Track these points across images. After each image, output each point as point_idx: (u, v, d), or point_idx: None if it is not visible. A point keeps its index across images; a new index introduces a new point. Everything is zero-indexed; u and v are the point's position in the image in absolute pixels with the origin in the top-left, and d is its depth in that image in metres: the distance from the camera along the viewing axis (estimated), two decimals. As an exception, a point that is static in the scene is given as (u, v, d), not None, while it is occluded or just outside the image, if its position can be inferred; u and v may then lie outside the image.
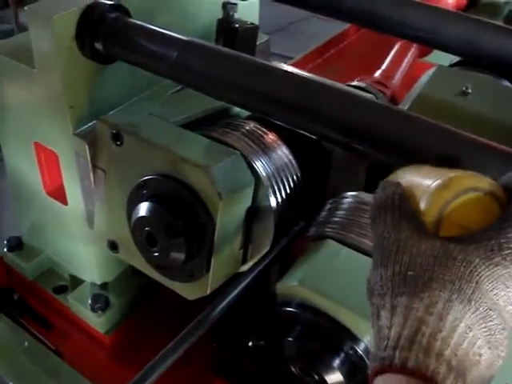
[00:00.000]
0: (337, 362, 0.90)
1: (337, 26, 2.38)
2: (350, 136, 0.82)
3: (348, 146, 0.85)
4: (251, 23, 1.29)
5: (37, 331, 1.32)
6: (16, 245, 1.41)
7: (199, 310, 1.03)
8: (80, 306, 1.30)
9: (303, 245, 1.06)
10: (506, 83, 1.31)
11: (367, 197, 1.04)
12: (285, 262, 1.07)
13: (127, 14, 1.02)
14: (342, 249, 0.96)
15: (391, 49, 1.91)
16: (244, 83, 0.89)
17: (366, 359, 0.89)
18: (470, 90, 1.14)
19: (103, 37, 0.98)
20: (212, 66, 0.91)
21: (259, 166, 1.04)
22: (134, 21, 1.00)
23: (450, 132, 0.77)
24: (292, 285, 0.93)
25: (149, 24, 0.99)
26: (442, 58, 1.47)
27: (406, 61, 1.77)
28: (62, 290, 1.38)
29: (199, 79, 0.93)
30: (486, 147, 0.76)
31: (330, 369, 0.91)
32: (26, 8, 0.99)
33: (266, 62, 0.92)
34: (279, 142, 1.10)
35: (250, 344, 1.12)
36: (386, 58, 1.85)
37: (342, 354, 0.91)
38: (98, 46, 0.99)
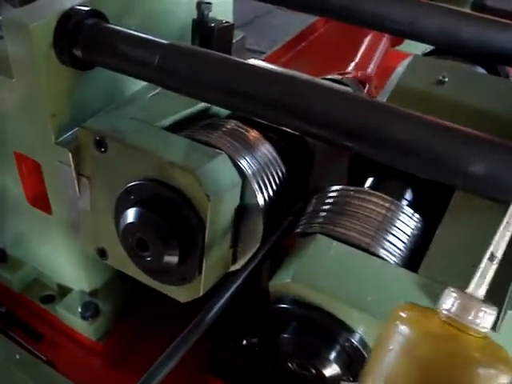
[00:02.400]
0: (333, 355, 0.91)
1: (302, 18, 2.38)
2: (333, 131, 0.83)
3: (331, 141, 0.86)
4: (226, 22, 1.28)
5: (27, 343, 1.30)
6: (0, 257, 1.40)
7: (191, 312, 1.03)
8: (70, 315, 1.29)
9: (292, 241, 1.06)
10: (480, 70, 1.33)
11: (352, 189, 1.05)
12: (274, 259, 1.07)
13: (105, 19, 1.01)
14: (331, 243, 0.96)
15: (362, 39, 1.92)
16: (230, 84, 0.89)
17: (361, 350, 0.90)
18: (446, 79, 1.16)
19: (81, 43, 0.97)
20: (195, 69, 0.91)
21: (244, 164, 1.04)
22: (112, 26, 0.99)
23: (432, 123, 0.78)
24: (285, 282, 0.94)
25: (127, 29, 0.98)
26: (414, 46, 1.48)
27: (379, 51, 1.78)
28: (49, 299, 1.37)
29: (183, 82, 0.93)
30: (469, 136, 0.77)
31: (326, 362, 0.92)
32: (1, 18, 0.97)
33: (250, 62, 0.92)
34: (262, 140, 1.11)
35: (244, 342, 1.13)
36: (357, 48, 1.87)
37: (338, 347, 0.92)
38: (77, 52, 0.98)
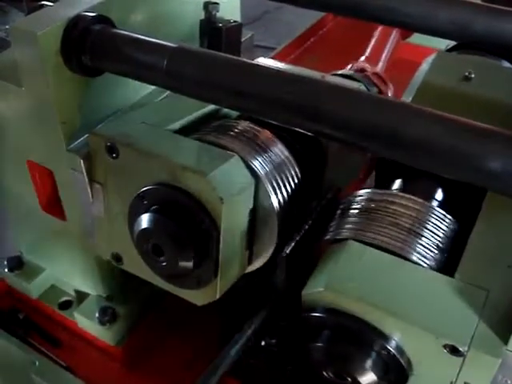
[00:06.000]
0: (369, 363, 0.89)
1: (312, 12, 2.37)
2: (347, 132, 0.82)
3: (346, 142, 0.85)
4: (234, 21, 1.28)
5: (46, 349, 1.31)
6: (16, 264, 1.40)
7: (208, 315, 1.02)
8: (87, 321, 1.29)
9: (322, 248, 1.04)
10: (506, 64, 1.30)
11: (381, 192, 1.03)
12: (292, 262, 1.06)
13: (111, 24, 1.00)
14: (364, 249, 0.94)
15: (372, 32, 1.91)
16: (239, 86, 0.88)
17: (398, 357, 0.88)
18: (472, 75, 1.14)
19: (89, 50, 0.97)
20: (204, 71, 0.90)
21: (257, 165, 1.03)
22: (120, 31, 0.99)
23: (449, 120, 0.77)
24: (318, 290, 0.92)
25: (135, 33, 0.98)
26: (424, 38, 1.46)
27: (389, 44, 1.76)
28: (67, 305, 1.38)
29: (192, 85, 0.92)
30: (488, 133, 0.75)
31: (363, 370, 0.90)
32: (7, 27, 0.97)
33: (259, 62, 0.91)
34: (274, 140, 1.10)
35: (263, 343, 1.12)
36: (367, 41, 1.85)
37: (374, 354, 0.90)
38: (85, 59, 0.98)
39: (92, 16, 0.98)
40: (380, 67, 1.62)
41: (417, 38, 1.79)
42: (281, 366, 1.11)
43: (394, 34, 1.83)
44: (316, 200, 1.12)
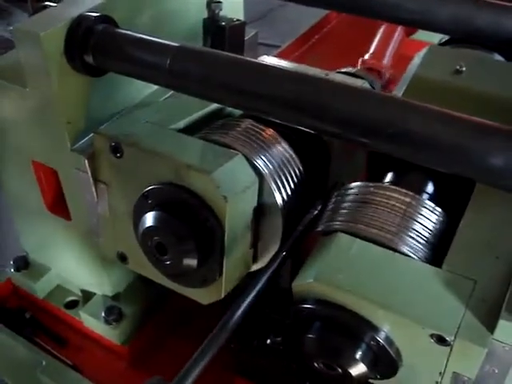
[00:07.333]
0: (359, 354, 0.90)
1: (315, 10, 2.37)
2: (349, 130, 0.82)
3: (348, 140, 0.85)
4: (237, 19, 1.28)
5: (52, 348, 1.31)
6: (22, 264, 1.41)
7: (214, 313, 1.02)
8: (93, 320, 1.30)
9: (313, 240, 1.04)
10: (497, 57, 1.30)
11: (372, 185, 1.03)
12: (296, 259, 1.06)
13: (114, 24, 1.01)
14: (353, 241, 0.95)
15: (376, 30, 1.90)
16: (242, 85, 0.88)
17: (387, 348, 0.89)
18: (463, 68, 1.14)
19: (92, 50, 0.97)
20: (207, 70, 0.91)
21: (261, 164, 1.03)
22: (122, 31, 0.99)
23: (448, 116, 0.77)
24: (308, 282, 0.92)
25: (137, 33, 0.98)
26: (428, 35, 1.46)
27: (393, 41, 1.76)
28: (73, 305, 1.38)
29: (195, 84, 0.92)
30: (485, 128, 0.75)
31: (353, 361, 0.90)
32: (11, 28, 0.97)
33: (262, 61, 0.91)
34: (278, 138, 1.10)
35: (268, 341, 1.12)
36: (371, 39, 1.85)
37: (364, 345, 0.90)
38: (88, 59, 0.98)
39: (95, 16, 0.98)
40: (385, 64, 1.62)
41: (421, 35, 1.78)
42: (286, 363, 1.12)
43: (399, 30, 1.83)
44: (321, 197, 1.12)
